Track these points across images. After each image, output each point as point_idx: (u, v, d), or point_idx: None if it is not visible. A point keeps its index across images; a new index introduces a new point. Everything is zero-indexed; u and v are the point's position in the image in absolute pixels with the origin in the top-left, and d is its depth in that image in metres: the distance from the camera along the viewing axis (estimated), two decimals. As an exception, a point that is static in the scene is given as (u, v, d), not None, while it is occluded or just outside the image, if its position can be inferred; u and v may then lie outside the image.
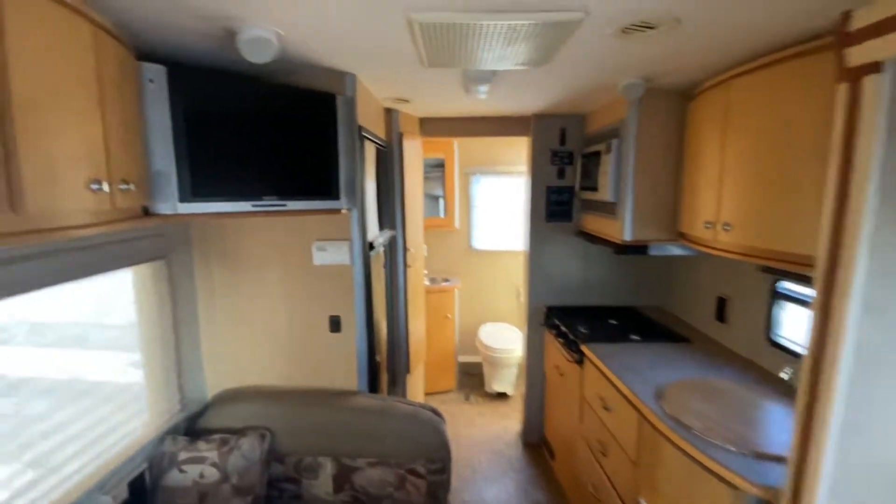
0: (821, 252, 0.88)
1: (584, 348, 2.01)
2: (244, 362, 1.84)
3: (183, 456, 1.54)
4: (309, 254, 1.73)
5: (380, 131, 2.21)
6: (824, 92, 1.07)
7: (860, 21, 0.81)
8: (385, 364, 2.47)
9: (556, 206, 2.60)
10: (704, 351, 1.95)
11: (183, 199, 1.24)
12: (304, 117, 1.48)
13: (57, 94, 0.78)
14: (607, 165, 2.00)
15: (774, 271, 1.68)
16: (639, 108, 1.84)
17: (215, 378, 1.84)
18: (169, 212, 1.22)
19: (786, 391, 1.54)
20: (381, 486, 1.66)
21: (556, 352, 2.44)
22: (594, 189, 2.17)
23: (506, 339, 3.48)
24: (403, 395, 2.60)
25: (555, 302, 2.69)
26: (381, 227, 2.35)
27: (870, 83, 0.78)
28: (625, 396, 1.62)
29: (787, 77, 1.21)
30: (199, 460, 1.54)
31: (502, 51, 1.33)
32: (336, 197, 1.56)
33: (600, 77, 1.67)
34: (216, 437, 1.61)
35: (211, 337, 1.81)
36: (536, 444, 2.86)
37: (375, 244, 1.97)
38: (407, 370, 2.61)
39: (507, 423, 3.17)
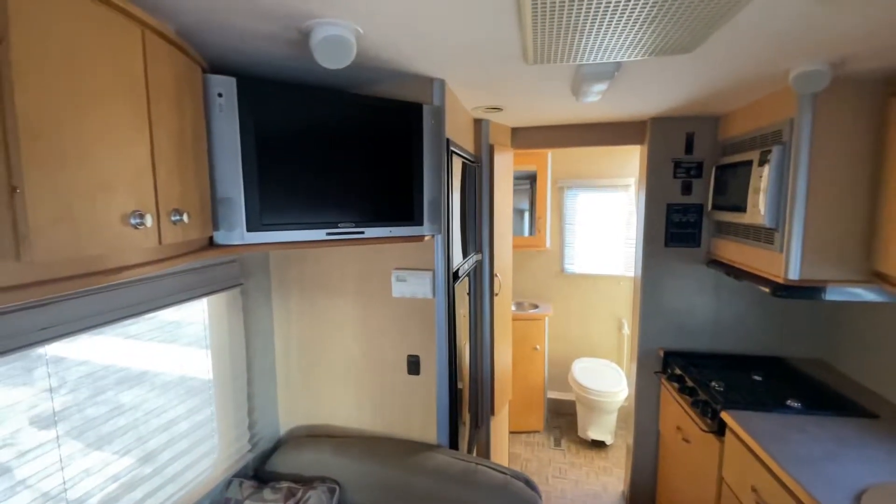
0: None
1: (725, 416, 1.55)
2: (318, 399, 1.69)
3: (248, 505, 1.40)
4: (388, 284, 1.53)
5: (468, 144, 1.98)
6: None
7: None
8: (467, 401, 2.19)
9: (678, 227, 2.14)
10: (913, 438, 1.39)
11: (251, 228, 1.09)
12: (385, 132, 1.29)
13: (82, 109, 0.63)
14: (761, 180, 1.53)
15: None
16: (815, 104, 1.37)
17: (289, 414, 1.72)
18: (236, 242, 1.08)
19: None
20: (461, 569, 1.38)
21: (677, 410, 1.97)
22: (739, 209, 1.70)
23: (605, 379, 3.01)
24: (486, 436, 2.30)
25: (674, 344, 2.21)
26: (466, 251, 2.10)
27: None
28: (799, 500, 1.16)
29: None
30: (264, 511, 1.39)
31: (636, 33, 1.00)
32: (419, 222, 1.34)
33: (769, 62, 1.25)
34: (283, 486, 1.45)
35: (285, 370, 1.69)
36: (645, 514, 2.37)
37: (461, 273, 1.72)
38: (491, 412, 2.30)
39: (606, 479, 2.70)
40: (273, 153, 1.11)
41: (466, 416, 2.19)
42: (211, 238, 1.05)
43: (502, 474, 1.46)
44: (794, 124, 1.42)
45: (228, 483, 1.45)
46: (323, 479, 1.49)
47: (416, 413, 1.59)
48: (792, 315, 2.07)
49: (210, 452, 1.42)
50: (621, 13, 0.89)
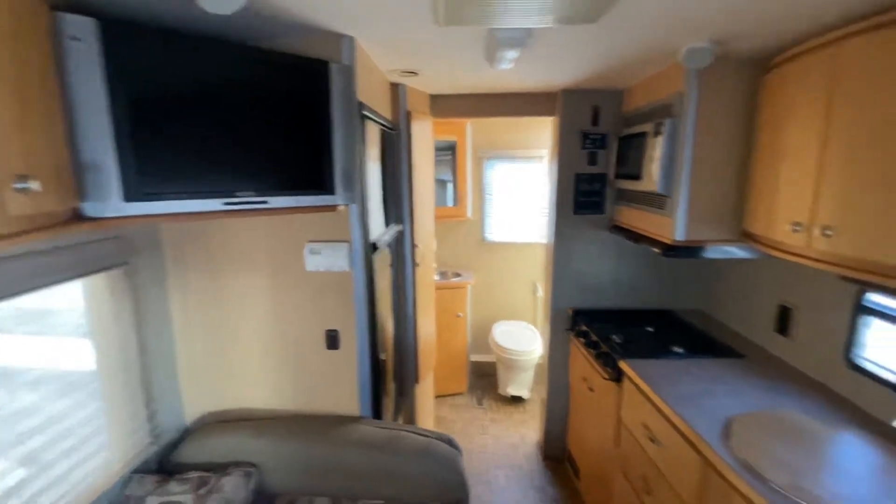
0: None
1: (623, 365, 1.73)
2: (229, 383, 1.58)
3: (152, 501, 1.29)
4: (301, 257, 1.45)
5: (384, 110, 1.90)
6: None
7: None
8: (391, 371, 2.21)
9: (585, 196, 2.29)
10: (764, 370, 1.66)
11: (130, 198, 0.95)
12: (289, 91, 1.18)
13: None
14: (656, 150, 1.67)
15: (867, 283, 1.37)
16: (700, 78, 1.51)
17: (196, 401, 1.59)
18: (110, 214, 0.93)
19: (881, 431, 1.25)
20: (387, 532, 1.41)
21: (584, 363, 2.16)
22: (636, 177, 1.85)
23: (522, 340, 3.21)
24: (412, 403, 2.35)
25: (581, 304, 2.40)
26: (387, 221, 2.06)
27: None
28: (681, 432, 1.34)
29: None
30: (172, 505, 1.29)
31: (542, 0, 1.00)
32: (330, 191, 1.26)
33: (659, 38, 1.34)
34: (193, 475, 1.36)
35: (189, 355, 1.55)
36: (558, 459, 2.61)
37: (380, 244, 1.68)
38: (416, 380, 2.35)
39: (524, 431, 2.92)
40: (154, 111, 0.96)
41: (391, 386, 2.20)
42: (78, 210, 0.90)
43: (425, 437, 1.50)
44: (682, 98, 1.55)
45: (128, 480, 1.32)
46: (238, 464, 1.42)
47: (338, 387, 1.56)
48: (679, 273, 2.34)
49: (101, 449, 1.28)
50: (529, -24, 0.88)
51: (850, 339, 1.47)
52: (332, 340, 1.51)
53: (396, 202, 2.11)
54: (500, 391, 3.32)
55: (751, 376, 1.61)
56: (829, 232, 1.11)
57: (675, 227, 1.61)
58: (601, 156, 2.25)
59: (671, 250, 1.66)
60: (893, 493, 1.03)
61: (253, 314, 1.52)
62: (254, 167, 1.15)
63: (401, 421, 2.27)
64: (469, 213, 3.51)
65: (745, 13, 1.12)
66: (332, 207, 1.29)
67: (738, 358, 1.77)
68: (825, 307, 1.56)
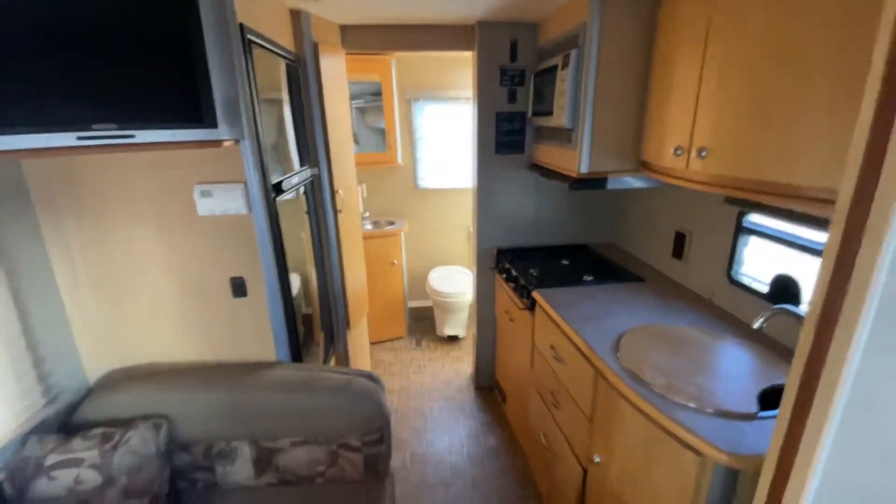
0: (845, 184, 0.65)
1: (535, 295, 1.83)
2: (132, 338, 1.50)
3: (52, 460, 1.24)
4: (191, 201, 1.35)
5: (284, 39, 1.74)
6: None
7: None
8: (319, 319, 2.20)
9: (506, 135, 2.29)
10: (660, 291, 1.82)
11: (-50, 130, 0.82)
12: (148, 8, 1.03)
13: None
14: (564, 83, 1.68)
15: (745, 203, 1.50)
16: (603, 7, 1.50)
17: (97, 359, 1.50)
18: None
19: (752, 337, 1.43)
20: (310, 465, 1.46)
21: (506, 297, 2.26)
22: (549, 114, 1.86)
23: (457, 283, 3.29)
24: (345, 351, 2.37)
25: (505, 243, 2.47)
26: (301, 162, 1.96)
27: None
28: (579, 349, 1.46)
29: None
30: (74, 462, 1.25)
31: None
32: (212, 124, 1.16)
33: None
34: (96, 432, 1.31)
35: (81, 312, 1.44)
36: (488, 388, 2.79)
37: (286, 186, 1.60)
38: (346, 325, 2.36)
39: (460, 366, 3.07)
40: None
41: (320, 334, 2.20)
42: None
43: (345, 375, 1.53)
44: (586, 28, 1.54)
45: (24, 441, 1.25)
46: (146, 417, 1.38)
47: (250, 335, 1.53)
48: (594, 209, 2.45)
49: (-19, 416, 1.19)
50: None
51: (731, 257, 1.63)
52: (238, 288, 1.46)
53: (309, 143, 2.00)
54: (438, 332, 3.44)
55: (648, 297, 1.76)
56: (703, 153, 1.19)
57: (581, 160, 1.66)
58: (520, 93, 2.24)
59: (577, 183, 1.72)
60: (753, 385, 1.19)
61: (146, 264, 1.42)
62: (115, 97, 1.02)
63: (332, 365, 2.30)
64: (400, 159, 3.43)
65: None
66: (217, 143, 1.19)
67: (639, 282, 1.92)
68: (713, 231, 1.71)
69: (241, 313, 1.49)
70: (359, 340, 2.63)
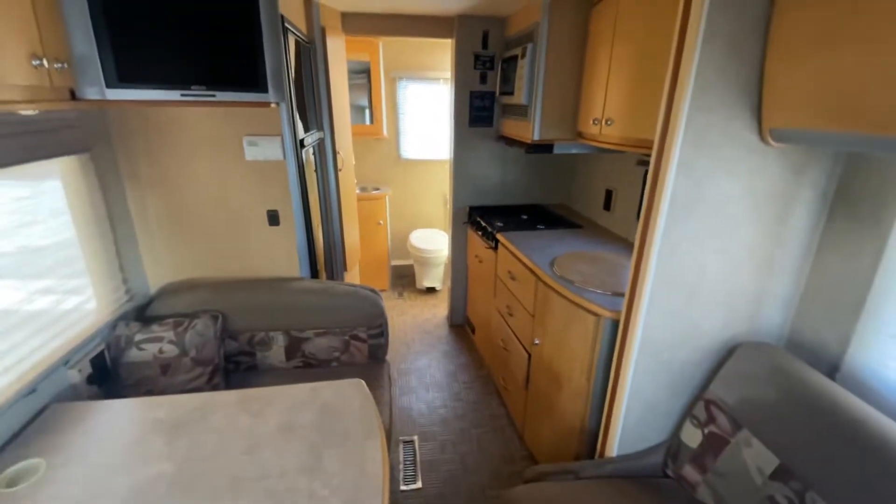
0: (658, 131, 1.19)
1: (498, 236, 2.36)
2: (185, 257, 1.93)
3: (139, 337, 1.68)
4: (240, 149, 1.79)
5: (300, 24, 2.17)
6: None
7: (698, -59, 1.04)
8: (323, 265, 2.66)
9: (478, 111, 2.78)
10: (593, 234, 2.39)
11: (110, 85, 1.25)
12: (225, 5, 1.46)
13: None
14: (523, 69, 2.19)
15: (646, 163, 2.07)
16: (550, 13, 2.00)
17: (156, 273, 1.93)
18: (97, 97, 1.23)
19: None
20: (328, 351, 1.95)
21: (476, 243, 2.79)
22: (512, 93, 2.37)
23: (435, 242, 3.80)
24: (341, 289, 2.85)
25: (476, 202, 2.99)
26: (308, 127, 2.39)
27: (696, -6, 1.04)
28: (527, 267, 2.00)
29: (660, -12, 1.45)
30: (157, 339, 1.70)
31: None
32: (265, 89, 1.60)
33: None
34: (169, 320, 1.75)
35: (146, 233, 1.86)
36: (461, 325, 3.34)
37: (306, 142, 2.05)
38: (344, 268, 2.83)
39: (436, 310, 3.60)
40: (122, 13, 1.23)
41: (323, 274, 2.67)
42: (73, 91, 1.19)
43: (352, 287, 2.02)
44: (538, 27, 2.05)
45: (114, 325, 1.69)
46: (206, 311, 1.83)
47: (281, 257, 1.99)
48: (549, 174, 3.00)
49: (90, 300, 1.62)
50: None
51: (640, 205, 2.20)
52: (273, 218, 1.92)
53: (317, 110, 2.43)
54: (418, 286, 3.95)
55: (582, 237, 2.33)
56: (609, 122, 1.73)
57: (533, 129, 2.18)
58: (490, 75, 2.73)
59: (531, 148, 2.24)
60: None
61: (201, 198, 1.85)
62: (204, 66, 1.45)
63: (332, 299, 2.78)
64: (385, 132, 3.87)
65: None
66: (267, 104, 1.63)
67: (578, 228, 2.48)
68: (630, 187, 2.27)
69: (274, 239, 1.95)
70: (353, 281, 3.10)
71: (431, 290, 3.95)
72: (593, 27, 1.92)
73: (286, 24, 1.77)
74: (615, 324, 1.56)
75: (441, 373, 2.75)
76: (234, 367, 1.93)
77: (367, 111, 3.79)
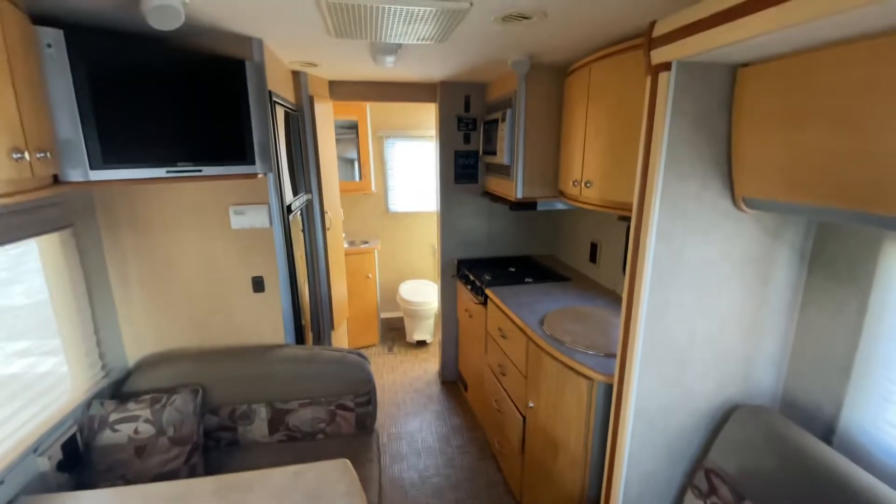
0: (635, 199, 1.23)
1: (487, 292, 2.35)
2: (166, 327, 1.88)
3: (114, 417, 1.60)
4: (226, 218, 1.79)
5: (289, 95, 2.25)
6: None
7: (658, 30, 1.12)
8: (309, 325, 2.61)
9: (463, 169, 2.86)
10: (580, 287, 2.39)
11: (94, 167, 1.26)
12: (214, 83, 1.52)
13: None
14: (503, 132, 2.27)
15: (627, 219, 2.11)
16: (527, 81, 2.12)
17: (136, 345, 1.87)
18: (80, 179, 1.23)
19: (633, 310, 2.00)
20: (313, 422, 1.87)
21: (465, 297, 2.77)
22: (494, 153, 2.45)
23: (424, 294, 3.78)
24: (330, 345, 2.78)
25: (464, 255, 3.01)
26: (296, 190, 2.43)
27: (663, 78, 1.10)
28: (517, 325, 1.98)
29: (628, 64, 1.54)
30: (132, 419, 1.61)
31: (405, 28, 1.48)
32: (251, 162, 1.64)
33: (492, 53, 1.90)
34: (146, 397, 1.68)
35: (127, 304, 1.82)
36: (453, 381, 3.25)
37: (293, 207, 2.07)
38: (331, 326, 2.78)
39: (427, 365, 3.52)
40: (108, 98, 1.27)
41: (309, 334, 2.62)
42: (57, 176, 1.19)
43: (339, 352, 1.97)
44: (516, 95, 2.15)
45: (89, 404, 1.60)
46: (185, 386, 1.76)
47: (266, 324, 1.95)
48: (535, 227, 3.05)
49: (64, 379, 1.54)
50: (391, 16, 1.35)
51: (625, 258, 2.23)
52: (258, 285, 1.89)
53: (304, 173, 2.48)
54: (408, 339, 3.88)
55: (570, 290, 2.33)
56: (589, 184, 1.79)
57: (516, 188, 2.24)
58: (473, 136, 2.83)
59: (515, 205, 2.29)
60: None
61: (184, 267, 1.83)
62: (190, 142, 1.48)
63: (320, 360, 2.70)
64: (373, 188, 3.94)
65: (541, 43, 1.71)
66: (253, 175, 1.66)
67: (566, 280, 2.49)
68: (614, 241, 2.31)
69: (259, 305, 1.92)
70: (340, 342, 3.04)
71: (422, 344, 3.88)
72: (568, 94, 2.03)
73: (274, 98, 1.84)
74: (609, 388, 1.53)
75: (433, 436, 2.64)
76: (215, 444, 1.83)
77: (356, 162, 3.88)
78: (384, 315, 4.23)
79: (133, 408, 1.63)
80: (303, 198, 2.41)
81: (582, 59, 1.84)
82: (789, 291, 1.32)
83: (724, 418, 1.37)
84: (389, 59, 1.85)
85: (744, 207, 1.19)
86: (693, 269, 1.23)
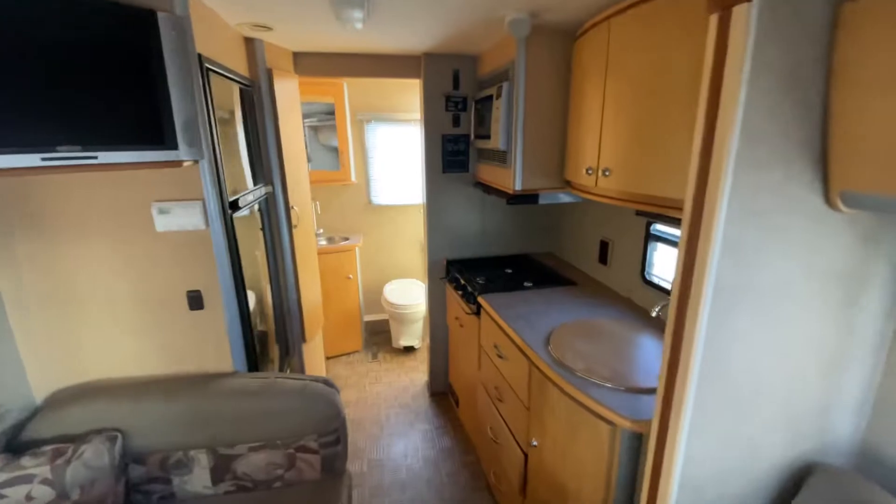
0: (688, 194, 0.87)
1: (480, 300, 2.00)
2: (84, 354, 1.51)
3: (1, 478, 1.24)
4: (149, 218, 1.41)
5: (239, 66, 1.85)
6: (702, 30, 1.04)
7: (731, -56, 0.75)
8: (274, 332, 2.25)
9: (452, 156, 2.49)
10: (589, 293, 2.05)
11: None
12: (114, 40, 1.13)
13: None
14: (499, 111, 1.90)
15: (648, 214, 1.76)
16: (527, 47, 1.74)
17: (43, 376, 1.49)
18: None
19: (657, 326, 1.67)
20: (268, 469, 1.52)
21: (456, 304, 2.42)
22: (487, 137, 2.08)
23: (411, 295, 3.42)
24: (300, 364, 2.42)
25: (454, 255, 2.65)
26: (255, 181, 2.04)
27: (740, 14, 0.74)
28: (517, 345, 1.64)
29: (664, 14, 1.17)
30: (24, 479, 1.25)
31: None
32: (172, 146, 1.25)
33: (485, 9, 1.52)
34: (46, 449, 1.31)
35: (26, 328, 1.44)
36: (442, 393, 2.92)
37: (242, 203, 1.69)
38: (302, 339, 2.42)
39: (415, 375, 3.18)
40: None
41: (274, 350, 2.25)
42: None
43: (300, 381, 1.61)
44: (514, 65, 1.77)
45: (-36, 464, 1.24)
46: (99, 431, 1.39)
47: (206, 347, 1.58)
48: (534, 221, 2.69)
49: (-77, 437, 1.18)
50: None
51: (644, 260, 1.89)
52: (195, 300, 1.52)
53: (264, 162, 2.09)
54: (394, 344, 3.54)
55: (578, 297, 1.99)
56: (607, 172, 1.43)
57: (515, 178, 1.87)
58: (463, 118, 2.45)
59: (513, 198, 1.93)
60: (656, 365, 1.41)
61: (101, 279, 1.45)
62: (80, 120, 1.10)
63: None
64: (353, 177, 3.55)
65: (543, -11, 1.34)
66: (177, 163, 1.28)
67: (572, 285, 2.15)
68: (629, 239, 1.97)
69: (198, 325, 1.55)
70: (314, 354, 2.68)
71: (410, 350, 3.54)
72: (579, 61, 1.65)
73: (208, 65, 1.45)
74: (637, 436, 1.19)
75: (420, 462, 2.31)
76: (144, 499, 1.48)
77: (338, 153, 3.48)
78: (368, 318, 3.88)
79: (27, 464, 1.27)
80: (261, 191, 2.02)
81: (597, 15, 1.46)
82: (881, 318, 0.99)
83: (793, 482, 1.04)
84: (356, 14, 1.47)
85: (840, 206, 0.84)
86: (766, 291, 0.88)
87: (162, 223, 1.42)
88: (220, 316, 1.56)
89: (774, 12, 0.73)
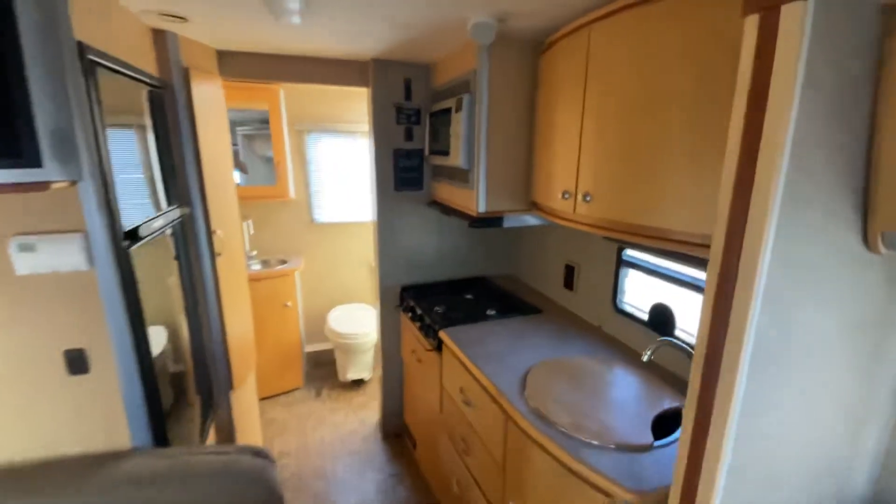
0: (717, 234, 0.71)
1: (442, 335, 1.78)
2: None
3: None
4: (5, 258, 1.04)
5: (145, 63, 1.51)
6: (709, 39, 0.91)
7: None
8: (193, 383, 1.87)
9: (405, 172, 2.26)
10: (557, 322, 1.90)
11: None
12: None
13: None
14: (458, 126, 1.71)
15: (620, 239, 1.64)
16: (491, 55, 1.57)
17: None
18: None
19: (638, 363, 1.53)
20: (179, 577, 1.17)
21: (412, 337, 2.18)
22: (445, 154, 1.88)
23: (359, 322, 3.12)
24: (228, 417, 2.04)
25: (409, 280, 2.41)
26: (169, 201, 1.68)
27: (790, 15, 0.59)
28: (488, 392, 1.43)
29: (655, 19, 1.04)
30: None
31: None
32: (35, 162, 0.91)
33: (446, 9, 1.32)
34: None
35: None
36: (397, 434, 2.64)
37: (144, 232, 1.34)
38: (231, 386, 2.05)
39: (364, 413, 2.87)
40: None
41: (195, 400, 1.87)
42: None
43: (223, 455, 1.28)
44: (476, 75, 1.59)
45: None
46: (-79, 559, 0.99)
47: (93, 419, 1.21)
48: (492, 242, 2.53)
49: None
50: None
51: (615, 287, 1.76)
52: (77, 362, 1.15)
53: (179, 178, 1.73)
54: (341, 378, 3.20)
55: (546, 329, 1.82)
56: (588, 198, 1.27)
57: (479, 200, 1.68)
58: (416, 131, 2.24)
59: (477, 221, 1.74)
60: (646, 413, 1.26)
61: (-68, 343, 1.05)
62: None
63: (212, 437, 1.96)
64: (292, 193, 3.21)
65: (515, -11, 1.16)
66: (43, 185, 0.94)
67: (537, 313, 1.99)
68: (597, 263, 1.84)
69: (80, 393, 1.18)
70: (245, 400, 2.30)
71: (359, 383, 3.21)
72: (550, 73, 1.50)
73: (93, 58, 1.12)
74: (639, 510, 1.02)
75: (374, 522, 2.02)
76: None
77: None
78: (310, 349, 3.50)
79: None
80: (174, 213, 1.67)
81: (573, 22, 1.32)
82: (898, 362, 0.89)
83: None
84: (291, 5, 1.21)
85: (880, 247, 0.72)
86: (802, 348, 0.75)
87: (25, 264, 1.05)
88: (111, 378, 1.19)
89: (829, 14, 0.59)
